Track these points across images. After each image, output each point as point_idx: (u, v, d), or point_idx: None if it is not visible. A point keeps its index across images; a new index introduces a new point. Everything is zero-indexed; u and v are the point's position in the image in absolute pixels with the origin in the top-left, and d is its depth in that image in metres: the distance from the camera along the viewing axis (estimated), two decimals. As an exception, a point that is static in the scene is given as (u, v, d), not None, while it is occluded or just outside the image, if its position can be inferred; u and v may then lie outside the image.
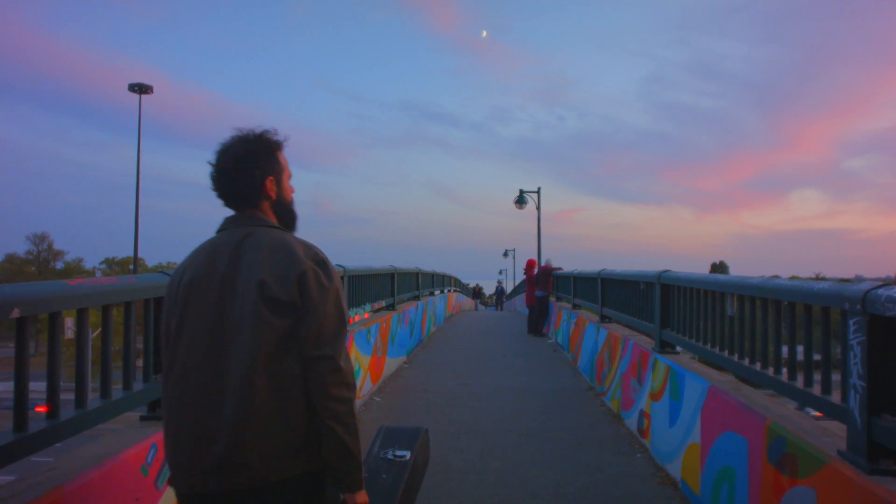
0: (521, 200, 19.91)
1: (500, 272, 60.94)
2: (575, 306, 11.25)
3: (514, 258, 50.43)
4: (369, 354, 7.52)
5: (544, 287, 14.71)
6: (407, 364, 10.08)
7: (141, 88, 29.13)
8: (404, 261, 14.62)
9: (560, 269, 14.82)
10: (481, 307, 34.31)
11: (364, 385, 7.18)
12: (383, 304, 9.20)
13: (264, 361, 1.78)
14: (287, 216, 2.08)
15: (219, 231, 1.99)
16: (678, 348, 5.24)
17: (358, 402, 1.99)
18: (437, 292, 17.18)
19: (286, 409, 1.79)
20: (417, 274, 13.13)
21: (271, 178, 1.99)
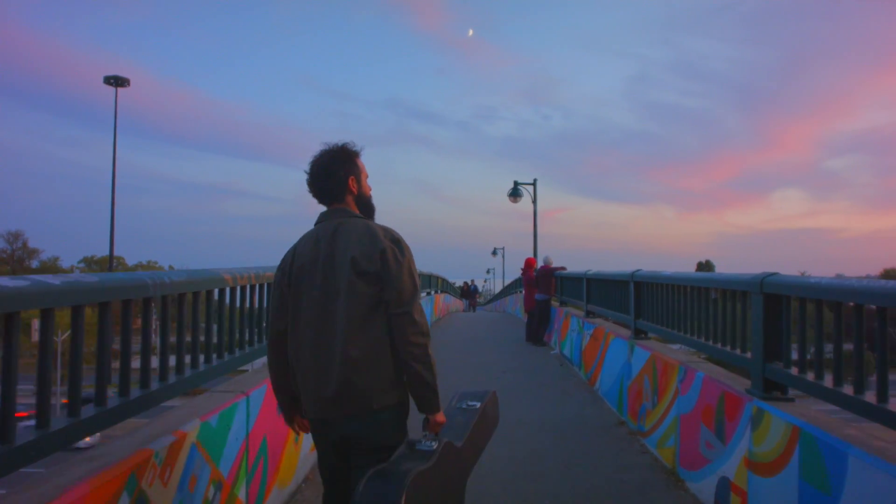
0: (515, 193, 18.11)
1: (488, 271, 59.40)
2: (589, 314, 9.45)
3: (503, 257, 48.84)
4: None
5: (545, 289, 12.92)
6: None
7: (117, 81, 27.34)
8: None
9: (563, 268, 13.03)
10: (479, 308, 32.15)
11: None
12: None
13: (359, 320, 2.39)
14: (366, 207, 2.68)
15: (317, 223, 2.61)
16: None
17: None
18: (423, 295, 15.34)
19: (379, 356, 2.40)
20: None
21: (353, 177, 2.62)
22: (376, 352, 2.40)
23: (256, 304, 4.14)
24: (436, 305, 18.55)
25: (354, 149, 2.67)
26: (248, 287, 3.97)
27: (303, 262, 2.51)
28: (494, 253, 48.48)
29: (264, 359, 3.18)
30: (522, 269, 13.98)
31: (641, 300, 6.40)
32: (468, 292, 31.31)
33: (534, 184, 18.17)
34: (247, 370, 4.38)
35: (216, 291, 3.60)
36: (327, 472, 2.62)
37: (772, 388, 3.56)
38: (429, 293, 17.01)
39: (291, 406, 2.66)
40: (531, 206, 18.37)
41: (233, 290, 3.80)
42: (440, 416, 2.53)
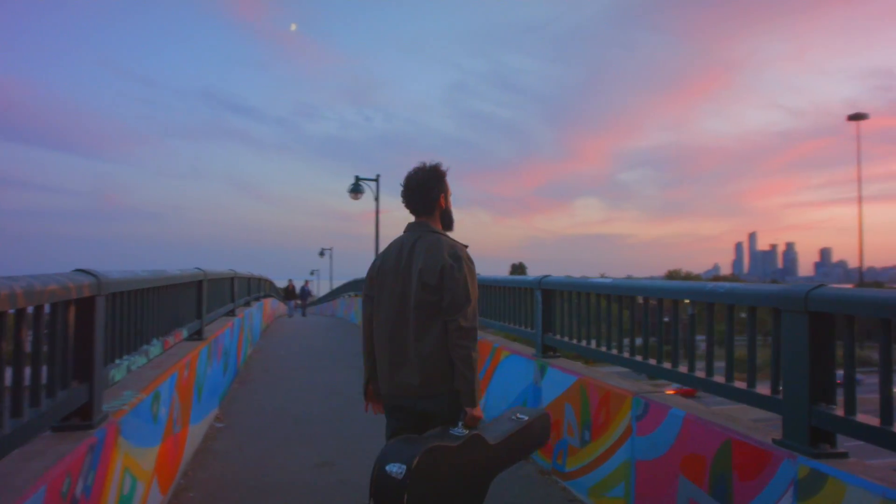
0: (356, 189, 16.66)
1: (312, 272, 56.95)
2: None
3: (331, 258, 46.80)
4: (153, 444, 3.93)
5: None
6: (220, 422, 6.43)
7: None
8: (204, 262, 10.41)
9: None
10: (308, 314, 29.10)
11: (146, 507, 3.64)
12: (184, 332, 5.52)
13: (426, 322, 2.90)
14: (448, 221, 3.20)
15: (405, 232, 3.12)
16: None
17: None
18: (253, 302, 13.34)
19: (439, 352, 2.89)
20: (233, 279, 9.36)
21: (443, 195, 3.12)
22: (439, 347, 2.89)
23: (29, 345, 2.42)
24: (265, 311, 16.49)
25: (444, 169, 3.14)
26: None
27: (387, 266, 3.03)
28: (322, 254, 46.22)
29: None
30: (372, 272, 12.61)
31: (552, 312, 5.38)
32: (295, 293, 28.65)
33: (376, 180, 16.87)
34: None
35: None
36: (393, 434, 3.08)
37: (820, 440, 2.63)
38: (258, 298, 14.96)
39: (370, 380, 3.24)
40: (357, 207, 17.05)
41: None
42: (477, 411, 2.88)
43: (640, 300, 4.11)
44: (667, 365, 3.81)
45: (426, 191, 3.05)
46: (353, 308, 20.72)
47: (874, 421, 2.41)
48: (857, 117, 44.54)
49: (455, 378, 2.87)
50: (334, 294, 32.20)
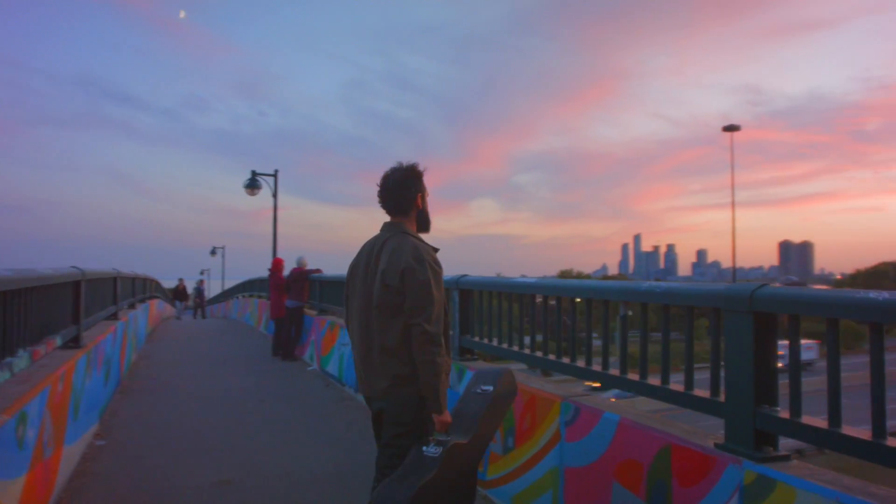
0: (252, 184, 15.81)
1: (202, 272, 54.27)
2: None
3: (223, 257, 44.68)
4: (18, 475, 3.34)
5: (297, 295, 11.15)
6: (101, 439, 5.74)
7: None
8: (83, 261, 9.50)
9: (319, 270, 11.42)
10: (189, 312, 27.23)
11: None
12: (58, 340, 4.84)
13: (389, 320, 2.87)
14: (425, 222, 3.15)
15: (380, 231, 3.08)
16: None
17: None
18: (138, 304, 12.32)
19: (400, 354, 2.86)
20: (116, 279, 8.50)
21: (420, 195, 3.08)
22: (400, 349, 2.87)
23: None
24: (151, 314, 15.33)
25: (421, 169, 3.12)
26: None
27: (358, 266, 3.08)
28: (213, 252, 43.98)
29: None
30: (270, 271, 11.97)
31: (470, 313, 5.18)
32: (185, 294, 26.90)
33: (275, 175, 16.11)
34: None
35: None
36: (376, 441, 3.14)
37: (764, 443, 2.55)
38: (144, 300, 13.84)
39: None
40: (253, 204, 16.28)
41: None
42: (443, 417, 2.85)
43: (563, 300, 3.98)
44: (596, 367, 3.70)
45: (402, 190, 3.02)
46: (248, 309, 19.75)
47: (821, 423, 2.36)
48: (730, 129, 47.79)
49: (420, 383, 2.83)
50: (228, 294, 30.69)
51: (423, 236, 3.13)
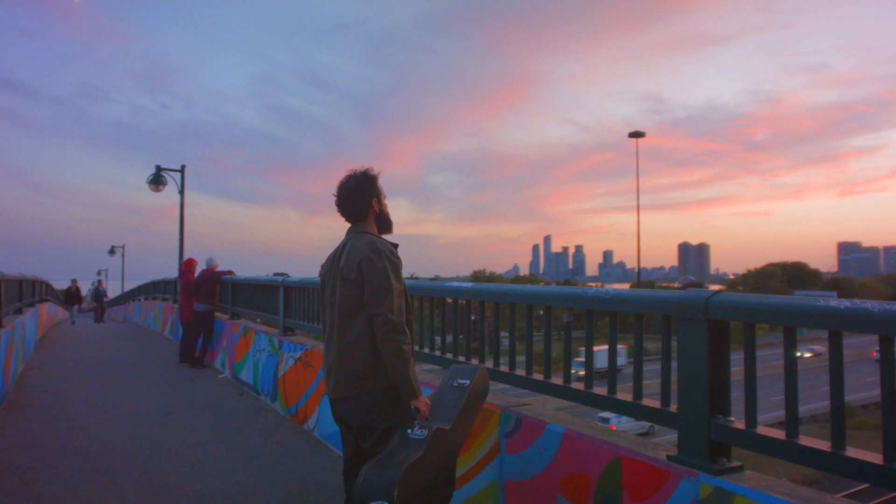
0: (157, 180, 14.84)
1: (99, 273, 51.05)
2: (288, 330, 7.61)
3: (123, 256, 42.09)
4: None
5: (207, 298, 10.53)
6: (-18, 463, 5.08)
7: None
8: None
9: (231, 272, 10.84)
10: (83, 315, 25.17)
11: None
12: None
13: (347, 317, 2.88)
14: (385, 223, 3.19)
15: (345, 235, 3.12)
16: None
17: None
18: (26, 308, 11.26)
19: (359, 348, 2.85)
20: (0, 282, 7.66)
21: (375, 199, 3.11)
22: (361, 341, 2.85)
23: None
24: (41, 319, 14.10)
25: (374, 173, 3.14)
26: None
27: (325, 270, 3.14)
28: (112, 252, 41.28)
29: None
30: (181, 272, 11.24)
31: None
32: (80, 296, 25.01)
33: (181, 171, 15.22)
34: None
35: None
36: (344, 446, 3.13)
37: (718, 454, 2.48)
38: (32, 304, 12.68)
39: None
40: (156, 201, 15.36)
41: None
42: (422, 403, 2.88)
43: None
44: (521, 372, 3.56)
45: (357, 197, 3.06)
46: (151, 312, 18.59)
47: (779, 433, 2.30)
48: (636, 135, 49.95)
49: (389, 374, 2.83)
50: (129, 297, 28.91)
51: (385, 236, 3.19)
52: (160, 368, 10.27)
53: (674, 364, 2.66)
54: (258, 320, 9.21)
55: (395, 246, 3.06)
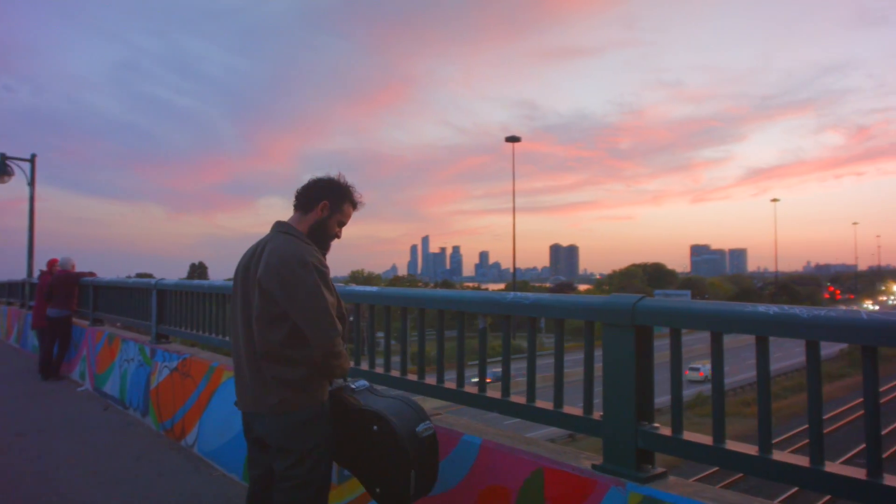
0: (2, 171, 13.25)
1: (-74, 274, 45.07)
2: (161, 338, 6.95)
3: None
4: None
5: (63, 303, 9.47)
6: None
7: None
8: None
9: (92, 274, 9.85)
10: None
11: None
12: None
13: (265, 327, 2.57)
14: (320, 235, 2.79)
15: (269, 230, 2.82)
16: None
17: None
18: None
19: (286, 354, 2.56)
20: None
21: (326, 203, 2.78)
22: (283, 355, 2.57)
23: None
24: None
25: (351, 191, 2.87)
26: None
27: (240, 264, 2.80)
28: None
29: None
30: (42, 273, 10.06)
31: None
32: None
33: (32, 160, 13.67)
34: None
35: None
36: (251, 465, 2.87)
37: (644, 462, 2.44)
38: None
39: None
40: (1, 194, 13.79)
41: None
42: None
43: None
44: (430, 381, 3.41)
45: (313, 190, 2.80)
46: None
47: (706, 439, 2.30)
48: (512, 139, 51.59)
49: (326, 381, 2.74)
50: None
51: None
52: (6, 382, 9.11)
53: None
54: (118, 324, 8.43)
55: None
